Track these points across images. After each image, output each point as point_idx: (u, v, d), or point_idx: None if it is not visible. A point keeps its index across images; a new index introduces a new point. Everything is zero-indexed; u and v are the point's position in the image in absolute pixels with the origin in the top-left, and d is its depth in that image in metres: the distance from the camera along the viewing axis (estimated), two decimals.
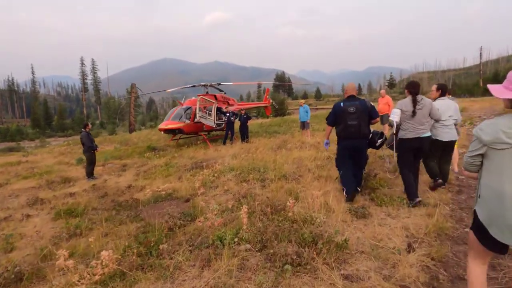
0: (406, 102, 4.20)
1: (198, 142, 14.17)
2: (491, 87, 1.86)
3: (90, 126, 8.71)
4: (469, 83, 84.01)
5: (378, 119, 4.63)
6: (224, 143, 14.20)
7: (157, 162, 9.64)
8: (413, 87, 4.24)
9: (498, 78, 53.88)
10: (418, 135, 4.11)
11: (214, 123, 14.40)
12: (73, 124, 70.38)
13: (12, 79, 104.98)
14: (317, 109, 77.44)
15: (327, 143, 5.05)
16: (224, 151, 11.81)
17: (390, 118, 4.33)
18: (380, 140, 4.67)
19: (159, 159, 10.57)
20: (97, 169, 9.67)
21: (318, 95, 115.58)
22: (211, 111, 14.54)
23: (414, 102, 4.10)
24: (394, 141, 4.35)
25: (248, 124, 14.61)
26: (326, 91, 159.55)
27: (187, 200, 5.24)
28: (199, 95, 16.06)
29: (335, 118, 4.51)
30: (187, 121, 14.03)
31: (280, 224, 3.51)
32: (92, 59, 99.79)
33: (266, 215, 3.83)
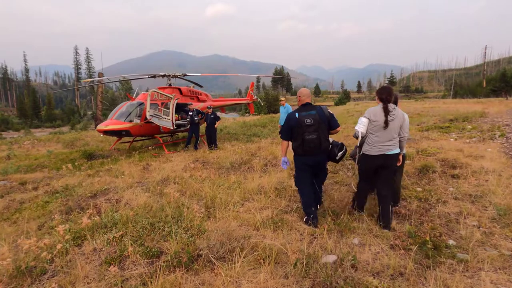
0: (377, 110, 3.54)
1: (149, 148, 11.13)
2: None
3: None
4: (471, 83, 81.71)
5: (339, 128, 3.97)
6: (186, 149, 11.27)
7: (63, 183, 6.68)
8: (384, 93, 3.55)
9: (506, 79, 50.84)
10: (383, 152, 3.53)
11: (172, 123, 11.39)
12: (62, 114, 67.31)
13: (6, 67, 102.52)
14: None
15: (285, 162, 4.14)
16: (177, 163, 8.96)
17: (356, 127, 3.67)
18: (341, 152, 3.97)
19: (76, 175, 7.61)
20: None
21: (317, 92, 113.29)
22: (169, 109, 11.52)
23: (386, 111, 3.47)
24: (357, 154, 3.77)
25: (216, 126, 11.63)
26: (326, 88, 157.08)
27: None
28: (159, 88, 13.06)
29: (291, 132, 3.84)
30: (137, 121, 11.02)
31: None
32: (87, 48, 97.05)
33: None
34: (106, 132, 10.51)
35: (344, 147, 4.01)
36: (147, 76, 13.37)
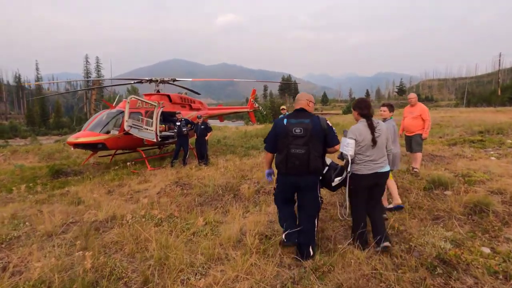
0: (360, 129, 3.17)
1: (129, 164, 9.59)
2: None
3: None
4: (483, 92, 79.20)
5: (338, 146, 3.13)
6: (172, 164, 9.75)
7: None
8: (366, 108, 3.24)
9: None
10: (375, 171, 3.14)
11: (156, 135, 9.88)
12: (70, 122, 67.37)
13: (19, 75, 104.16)
14: (322, 113, 72.69)
15: (269, 174, 3.45)
16: (155, 183, 7.53)
17: (342, 151, 3.16)
18: (339, 178, 3.14)
19: (27, 200, 6.13)
20: None
21: (325, 100, 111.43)
22: (154, 119, 10.02)
23: (372, 128, 3.14)
24: (347, 176, 3.19)
25: (207, 138, 10.08)
26: (334, 96, 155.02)
27: None
28: (145, 95, 11.65)
29: (276, 141, 3.07)
30: (115, 132, 9.54)
31: None
32: (97, 57, 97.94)
33: None
34: (77, 146, 9.06)
35: (345, 173, 3.19)
36: (132, 82, 11.99)
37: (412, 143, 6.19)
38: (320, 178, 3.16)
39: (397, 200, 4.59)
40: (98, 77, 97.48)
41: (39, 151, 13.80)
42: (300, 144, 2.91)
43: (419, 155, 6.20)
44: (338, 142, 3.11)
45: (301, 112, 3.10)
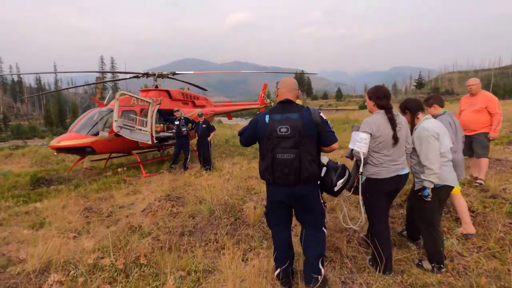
0: (378, 122, 2.58)
1: (120, 170, 8.35)
2: None
3: None
4: (508, 83, 75.79)
5: (336, 145, 2.47)
6: (170, 170, 8.47)
7: None
8: (384, 97, 2.64)
9: None
10: (396, 173, 2.62)
11: (151, 136, 8.60)
12: None
13: (39, 77, 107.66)
14: (337, 109, 70.18)
15: None
16: (147, 194, 6.35)
17: (354, 147, 2.64)
18: (341, 180, 2.51)
19: None
20: None
21: (339, 96, 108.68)
22: (150, 118, 8.74)
23: (393, 122, 2.56)
24: (359, 181, 2.69)
25: (209, 138, 8.74)
26: (348, 92, 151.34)
27: None
28: (142, 91, 10.42)
29: (253, 140, 2.57)
30: (105, 134, 8.32)
31: None
32: (111, 58, 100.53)
33: None
34: (60, 150, 7.89)
35: (347, 173, 2.53)
36: (129, 77, 10.78)
37: (475, 145, 4.60)
38: (319, 182, 2.56)
39: (470, 227, 3.26)
40: (113, 77, 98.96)
41: (35, 154, 12.87)
42: (287, 147, 2.30)
43: (484, 161, 4.62)
44: (335, 140, 2.45)
45: (288, 104, 2.41)
